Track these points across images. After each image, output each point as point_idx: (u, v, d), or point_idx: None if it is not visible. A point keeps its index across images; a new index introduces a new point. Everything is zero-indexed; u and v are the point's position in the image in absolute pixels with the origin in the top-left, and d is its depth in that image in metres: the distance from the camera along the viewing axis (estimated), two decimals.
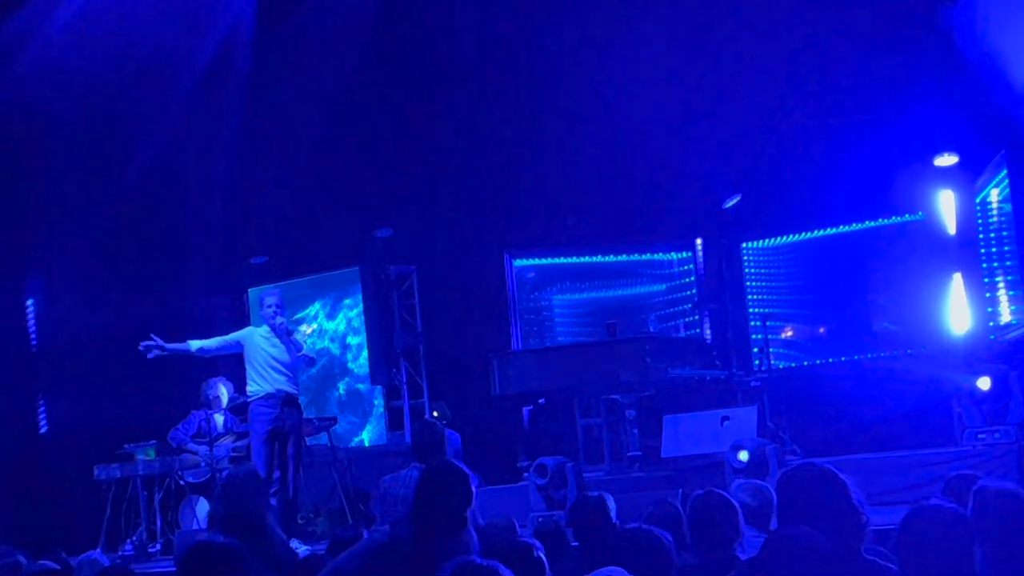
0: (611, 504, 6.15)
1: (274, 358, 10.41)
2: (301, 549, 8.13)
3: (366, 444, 13.89)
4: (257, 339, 10.53)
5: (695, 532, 5.66)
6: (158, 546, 11.60)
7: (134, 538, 11.74)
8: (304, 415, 12.29)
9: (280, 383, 10.41)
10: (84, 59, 12.58)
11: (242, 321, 14.70)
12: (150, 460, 11.87)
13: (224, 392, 12.27)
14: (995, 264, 11.76)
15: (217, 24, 12.76)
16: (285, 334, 10.43)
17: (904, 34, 11.91)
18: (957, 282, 12.12)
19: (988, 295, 11.82)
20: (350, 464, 12.61)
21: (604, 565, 4.37)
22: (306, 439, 11.56)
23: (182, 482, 11.89)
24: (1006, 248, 11.54)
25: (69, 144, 13.20)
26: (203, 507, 11.73)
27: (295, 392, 10.58)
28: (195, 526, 11.46)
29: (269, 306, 10.54)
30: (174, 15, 12.50)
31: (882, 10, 11.97)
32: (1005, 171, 11.07)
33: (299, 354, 10.47)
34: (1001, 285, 11.68)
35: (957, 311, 12.12)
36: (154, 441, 12.13)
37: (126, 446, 12.22)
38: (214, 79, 13.31)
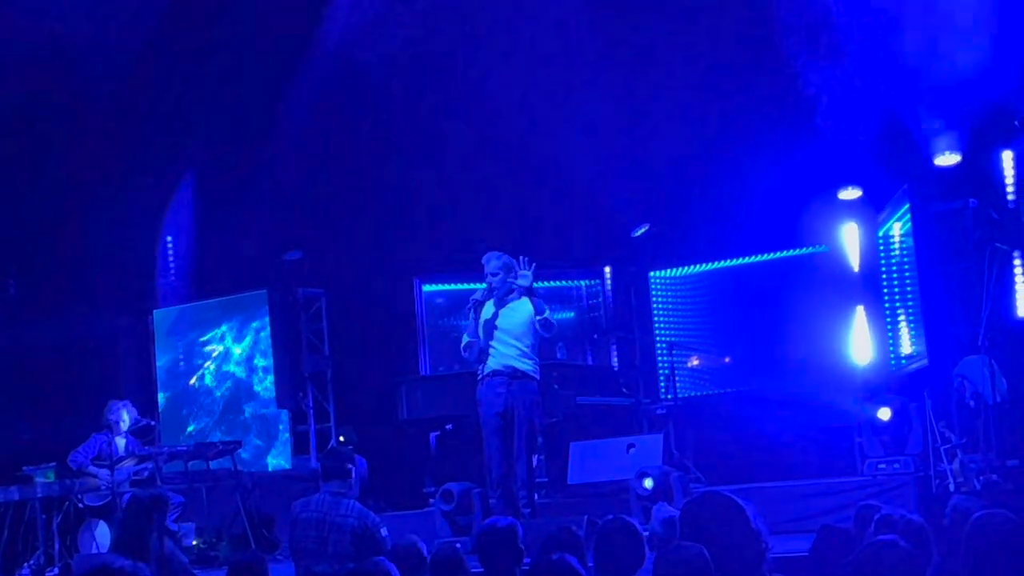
0: (519, 531, 6.13)
1: (498, 327, 9.07)
2: None
3: (269, 469, 13.76)
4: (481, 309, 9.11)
5: (598, 558, 5.68)
6: (56, 570, 11.40)
7: (31, 562, 11.54)
8: (209, 439, 12.14)
9: (505, 356, 9.07)
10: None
11: (146, 343, 14.52)
12: (49, 482, 11.67)
13: (126, 416, 12.15)
14: (896, 297, 11.97)
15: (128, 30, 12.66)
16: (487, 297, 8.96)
17: (810, 66, 12.10)
18: (860, 314, 12.30)
19: (889, 327, 12.02)
20: (254, 488, 12.48)
21: None
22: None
23: (81, 505, 11.71)
24: (907, 281, 11.75)
25: None
26: (103, 531, 11.56)
27: (525, 366, 9.10)
28: (94, 550, 11.29)
29: (493, 273, 9.08)
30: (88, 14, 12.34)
31: (789, 42, 12.15)
32: (907, 205, 11.28)
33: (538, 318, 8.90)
34: (902, 318, 11.89)
35: (859, 343, 12.31)
36: (54, 463, 11.94)
37: (25, 468, 12.01)
38: (125, 89, 13.17)
